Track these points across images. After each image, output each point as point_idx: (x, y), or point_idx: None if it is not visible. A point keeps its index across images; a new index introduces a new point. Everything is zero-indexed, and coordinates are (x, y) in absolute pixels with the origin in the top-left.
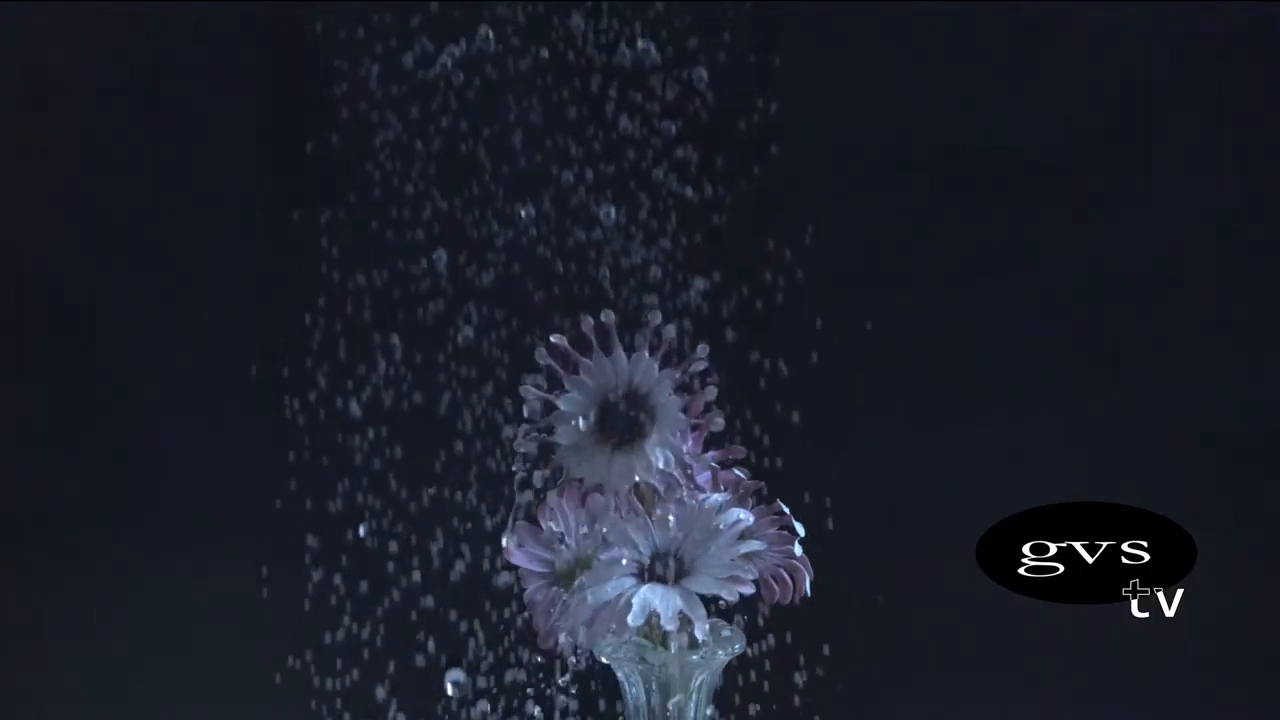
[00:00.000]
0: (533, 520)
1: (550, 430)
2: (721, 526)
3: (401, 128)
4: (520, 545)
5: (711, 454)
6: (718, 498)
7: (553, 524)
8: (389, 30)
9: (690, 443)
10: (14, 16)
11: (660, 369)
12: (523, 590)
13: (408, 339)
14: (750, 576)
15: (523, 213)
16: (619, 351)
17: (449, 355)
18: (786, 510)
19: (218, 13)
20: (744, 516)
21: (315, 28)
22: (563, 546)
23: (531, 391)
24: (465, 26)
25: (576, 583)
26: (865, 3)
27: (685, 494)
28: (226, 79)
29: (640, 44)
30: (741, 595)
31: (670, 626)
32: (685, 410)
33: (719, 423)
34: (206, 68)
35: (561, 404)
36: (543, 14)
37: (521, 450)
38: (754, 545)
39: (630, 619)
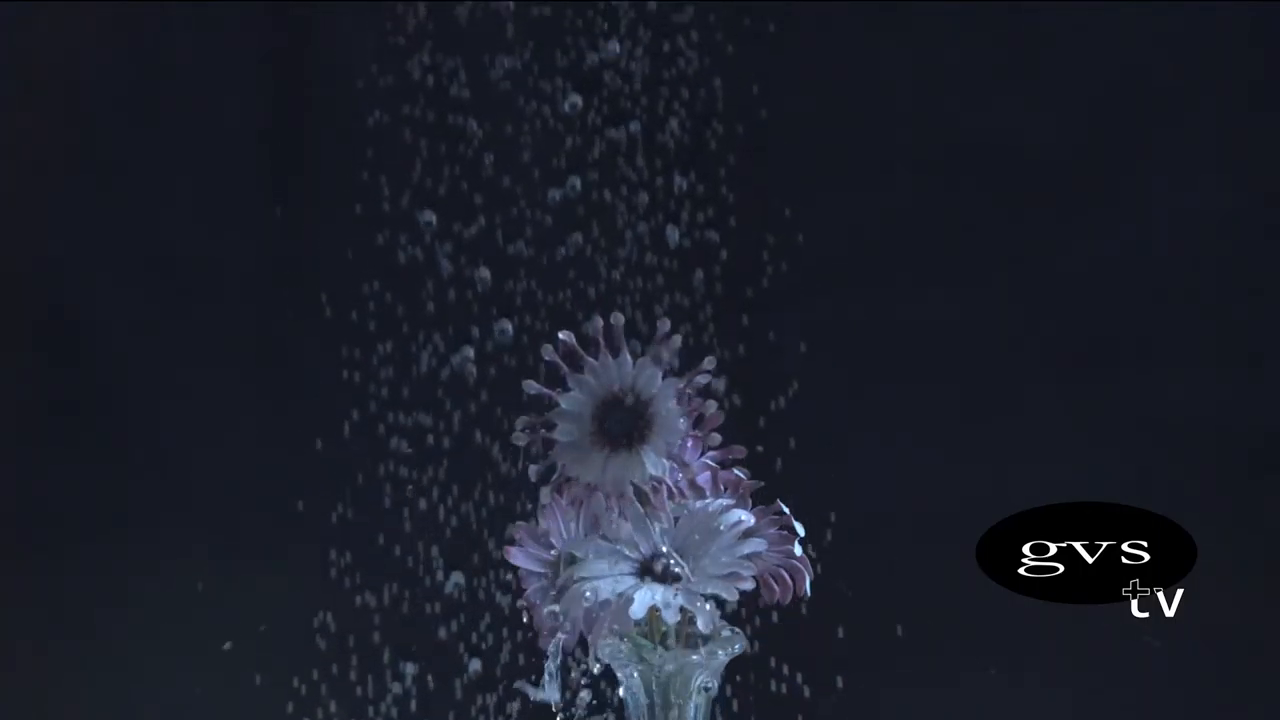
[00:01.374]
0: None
1: (550, 427)
2: (722, 527)
3: (412, 427)
4: (520, 545)
5: (711, 454)
6: (720, 502)
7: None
8: (401, 321)
9: (690, 447)
10: (14, 16)
11: (664, 377)
12: None
13: (422, 660)
14: (750, 573)
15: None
16: (625, 355)
17: (464, 682)
18: (786, 510)
19: (218, 12)
20: (744, 517)
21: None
22: (562, 547)
23: (533, 386)
24: (482, 320)
25: (573, 577)
26: (865, 3)
27: (678, 499)
28: (227, 79)
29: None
30: (741, 593)
31: (672, 619)
32: (684, 420)
33: (716, 437)
34: (206, 67)
35: (563, 403)
36: (568, 309)
37: (520, 444)
38: (755, 545)
39: (632, 612)
